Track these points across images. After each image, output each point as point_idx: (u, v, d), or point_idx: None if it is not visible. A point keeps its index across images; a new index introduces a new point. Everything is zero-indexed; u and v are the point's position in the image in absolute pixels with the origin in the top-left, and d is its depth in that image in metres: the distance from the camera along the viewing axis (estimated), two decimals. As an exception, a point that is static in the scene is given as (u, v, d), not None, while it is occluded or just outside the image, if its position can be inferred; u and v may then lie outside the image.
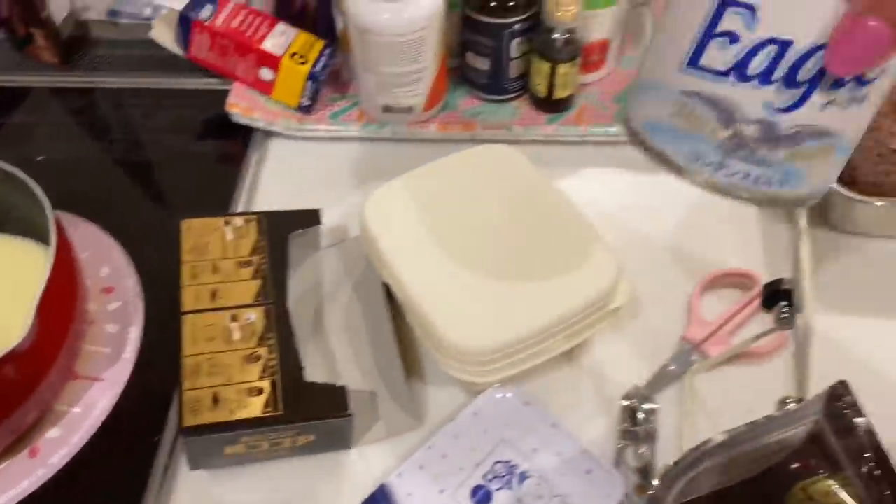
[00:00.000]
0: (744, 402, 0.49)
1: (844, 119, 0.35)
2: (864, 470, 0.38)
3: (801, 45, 0.32)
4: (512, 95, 0.70)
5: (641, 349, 0.55)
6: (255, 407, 0.47)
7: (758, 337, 0.48)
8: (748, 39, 0.33)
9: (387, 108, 0.67)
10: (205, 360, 0.48)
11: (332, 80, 0.71)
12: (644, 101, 0.39)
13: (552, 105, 0.68)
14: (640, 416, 0.50)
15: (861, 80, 0.33)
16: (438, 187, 0.56)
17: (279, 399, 0.47)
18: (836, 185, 0.56)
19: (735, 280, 0.58)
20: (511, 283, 0.50)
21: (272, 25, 0.67)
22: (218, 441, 0.47)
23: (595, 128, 0.67)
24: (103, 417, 0.52)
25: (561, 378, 0.54)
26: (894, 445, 0.50)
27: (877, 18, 0.30)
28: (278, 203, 0.64)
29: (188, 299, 0.51)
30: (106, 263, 0.60)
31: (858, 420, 0.39)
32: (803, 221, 0.40)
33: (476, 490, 0.49)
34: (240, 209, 0.64)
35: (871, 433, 0.39)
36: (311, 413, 0.47)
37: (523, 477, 0.49)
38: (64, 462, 0.50)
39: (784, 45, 0.32)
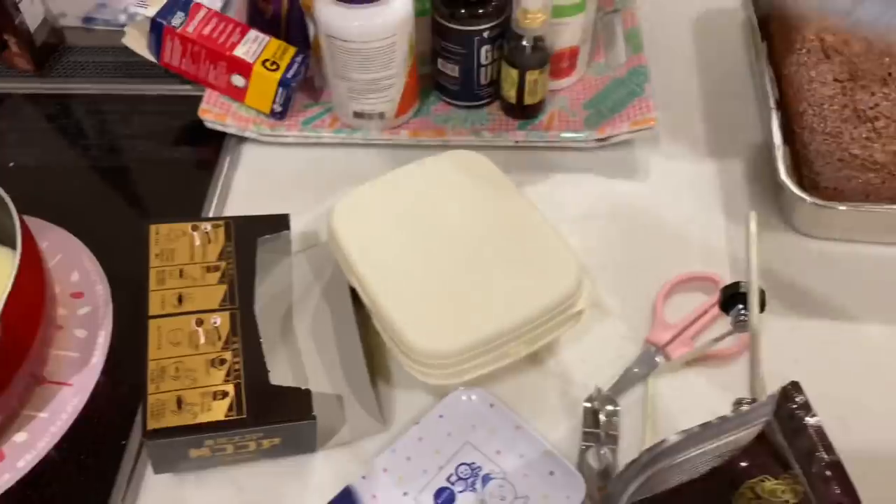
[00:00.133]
0: (706, 404, 0.49)
1: None
2: (815, 469, 0.39)
3: None
4: (483, 102, 0.70)
5: (606, 352, 0.56)
6: (218, 410, 0.47)
7: (717, 340, 0.49)
8: None
9: (358, 115, 0.67)
10: (170, 364, 0.49)
11: (305, 86, 0.71)
12: None
13: (523, 111, 0.69)
14: (602, 418, 0.50)
15: None
16: (406, 193, 0.56)
17: (243, 402, 0.47)
18: (798, 190, 0.57)
19: (699, 284, 0.59)
20: (475, 286, 0.51)
21: (244, 33, 0.68)
22: (182, 444, 0.47)
23: (564, 133, 0.67)
24: (71, 422, 0.52)
25: (527, 380, 0.55)
26: (848, 445, 0.51)
27: None
28: (250, 208, 0.64)
29: (154, 304, 0.52)
30: (76, 269, 0.60)
31: (809, 420, 0.40)
32: (753, 226, 0.40)
33: (440, 492, 0.49)
34: (211, 214, 0.64)
35: (821, 433, 0.40)
36: (274, 416, 0.47)
37: (487, 479, 0.50)
38: (30, 466, 0.50)
39: None
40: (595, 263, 0.61)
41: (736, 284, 0.46)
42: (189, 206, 0.65)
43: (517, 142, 0.68)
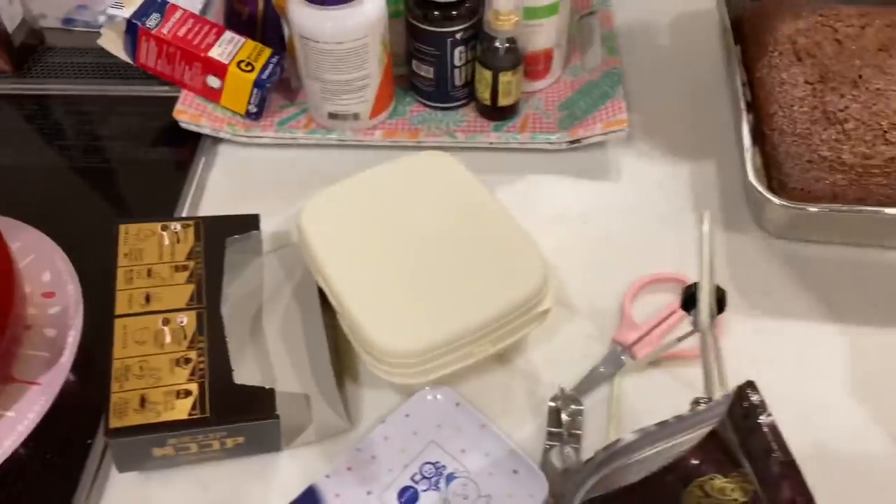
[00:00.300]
0: (672, 404, 0.49)
1: None
2: (769, 469, 0.39)
3: None
4: (458, 103, 0.71)
5: (574, 351, 0.56)
6: (181, 409, 0.47)
7: (679, 339, 0.49)
8: None
9: (333, 115, 0.68)
10: (134, 363, 0.49)
11: (281, 87, 0.72)
12: None
13: (497, 113, 0.69)
14: (564, 417, 0.50)
15: None
16: (375, 194, 0.56)
17: (206, 401, 0.48)
18: (765, 192, 0.58)
19: (667, 284, 0.59)
20: (440, 286, 0.51)
21: (220, 34, 0.68)
22: (144, 443, 0.47)
23: (537, 135, 0.68)
24: (38, 420, 0.52)
25: (494, 380, 0.55)
26: (811, 446, 0.52)
27: None
28: (224, 208, 0.65)
29: (121, 303, 0.52)
30: (48, 269, 0.60)
31: (763, 419, 0.40)
32: (706, 226, 0.41)
33: (403, 491, 0.49)
34: (184, 214, 0.64)
35: (776, 433, 0.40)
36: (237, 415, 0.48)
37: (451, 478, 0.50)
38: (-4, 465, 0.51)
39: None
40: (566, 264, 0.61)
41: (696, 284, 0.46)
42: (163, 206, 0.65)
43: (491, 143, 0.68)
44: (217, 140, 0.70)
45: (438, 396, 0.52)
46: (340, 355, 0.56)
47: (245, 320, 0.57)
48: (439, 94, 0.69)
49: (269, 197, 0.66)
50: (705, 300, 0.37)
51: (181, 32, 0.67)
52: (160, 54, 0.67)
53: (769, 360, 0.56)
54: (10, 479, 0.50)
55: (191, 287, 0.53)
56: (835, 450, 0.52)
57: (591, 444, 0.52)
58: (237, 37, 0.69)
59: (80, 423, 0.53)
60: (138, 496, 0.50)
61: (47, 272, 0.60)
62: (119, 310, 0.52)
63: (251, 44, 0.69)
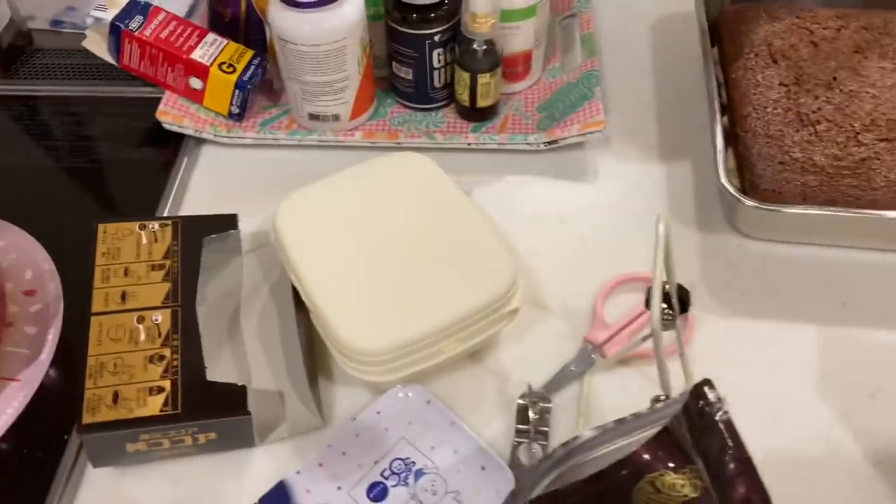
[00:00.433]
0: (640, 401, 0.50)
1: None
2: (724, 467, 0.39)
3: None
4: (438, 104, 0.71)
5: (546, 350, 0.57)
6: (154, 405, 0.48)
7: (644, 339, 0.50)
8: None
9: (313, 117, 0.68)
10: (109, 360, 0.50)
11: (264, 88, 0.73)
12: None
13: (476, 114, 0.70)
14: (532, 415, 0.51)
15: None
16: (350, 194, 0.57)
17: (179, 398, 0.48)
18: (735, 193, 0.58)
19: (640, 284, 0.59)
20: (410, 286, 0.52)
21: (202, 36, 0.69)
22: (117, 438, 0.48)
23: (515, 136, 0.68)
24: (16, 416, 0.53)
25: (466, 377, 0.56)
26: (778, 444, 0.52)
27: None
28: (205, 208, 0.66)
29: (98, 301, 0.53)
30: (30, 267, 0.61)
31: (720, 417, 0.40)
32: (661, 227, 0.41)
33: (372, 486, 0.50)
34: (166, 214, 0.65)
35: (732, 430, 0.40)
36: (208, 412, 0.48)
37: (420, 474, 0.50)
38: (-26, 461, 0.52)
39: None
40: (540, 264, 0.62)
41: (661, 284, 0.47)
42: (146, 206, 0.66)
43: (469, 144, 0.69)
44: (200, 141, 0.71)
45: (409, 394, 0.53)
46: (315, 353, 0.57)
47: (223, 319, 0.58)
48: (419, 95, 0.70)
49: (250, 197, 0.66)
50: (657, 300, 0.38)
51: (164, 34, 0.68)
52: (143, 56, 0.68)
53: (739, 358, 0.57)
54: (-13, 474, 0.51)
55: (167, 285, 0.54)
56: (803, 449, 0.52)
57: (560, 440, 0.51)
58: (220, 39, 0.69)
59: (58, 419, 0.53)
60: (113, 491, 0.51)
61: (29, 270, 0.61)
62: (95, 308, 0.52)
63: (233, 45, 0.69)
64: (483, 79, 0.67)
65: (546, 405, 0.52)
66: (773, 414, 0.54)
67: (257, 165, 0.70)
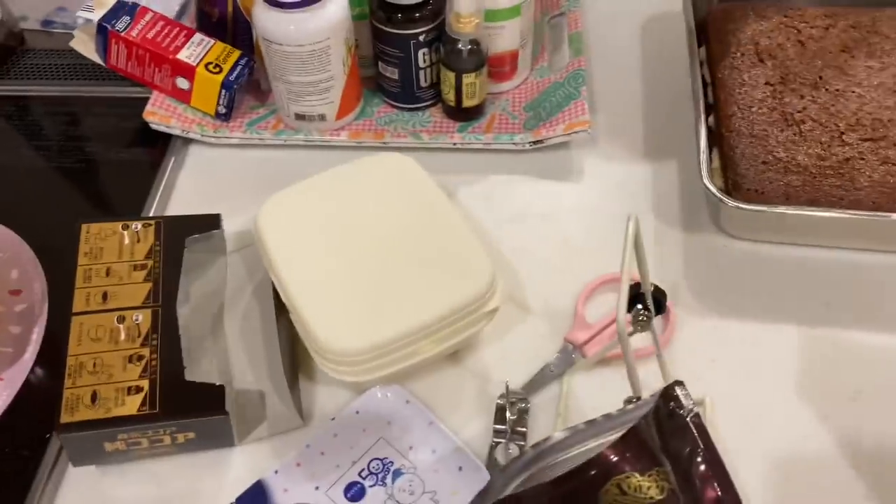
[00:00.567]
0: (620, 402, 0.50)
1: None
2: (694, 468, 0.39)
3: None
4: (425, 104, 0.71)
5: (526, 350, 0.57)
6: (132, 405, 0.48)
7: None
8: None
9: (300, 117, 0.68)
10: (88, 359, 0.50)
11: (252, 88, 0.73)
12: None
13: (462, 114, 0.70)
14: (509, 415, 0.51)
15: None
16: (331, 195, 0.57)
17: (157, 397, 0.49)
18: (717, 192, 0.58)
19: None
20: (388, 286, 0.52)
21: (189, 36, 0.69)
22: (95, 438, 0.48)
23: (500, 136, 0.68)
24: (-1, 415, 0.54)
25: (447, 378, 0.56)
26: (754, 444, 0.52)
27: None
28: (191, 208, 0.66)
29: (79, 301, 0.53)
30: (16, 267, 0.62)
31: (690, 419, 0.40)
32: (631, 228, 0.41)
33: (350, 486, 0.50)
34: (151, 214, 0.65)
35: (703, 431, 0.40)
36: (185, 411, 0.49)
37: (397, 474, 0.51)
38: (-44, 459, 0.52)
39: None
40: (523, 263, 0.62)
41: (636, 285, 0.47)
42: (133, 205, 0.66)
43: (455, 144, 0.69)
44: (188, 140, 0.71)
45: (388, 394, 0.53)
46: (297, 353, 0.57)
47: (206, 318, 0.58)
48: (405, 95, 0.70)
49: (236, 196, 0.67)
50: (622, 303, 0.38)
51: (150, 35, 0.68)
52: (130, 56, 0.69)
53: (721, 359, 0.57)
54: (-31, 472, 0.52)
55: (148, 285, 0.54)
56: (780, 450, 0.52)
57: (536, 441, 0.52)
58: (207, 39, 0.70)
59: (40, 417, 0.54)
60: (94, 490, 0.52)
61: (15, 270, 0.61)
62: (76, 307, 0.53)
63: (220, 45, 0.70)
64: (468, 79, 0.67)
65: (524, 405, 0.52)
66: (753, 415, 0.54)
67: (244, 165, 0.70)
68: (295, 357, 0.57)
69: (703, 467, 0.40)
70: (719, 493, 0.39)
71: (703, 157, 0.60)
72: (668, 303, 0.58)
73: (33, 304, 0.59)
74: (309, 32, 0.62)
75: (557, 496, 0.37)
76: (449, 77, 0.67)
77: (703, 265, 0.62)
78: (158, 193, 0.67)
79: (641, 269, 0.45)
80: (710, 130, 0.65)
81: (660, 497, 0.37)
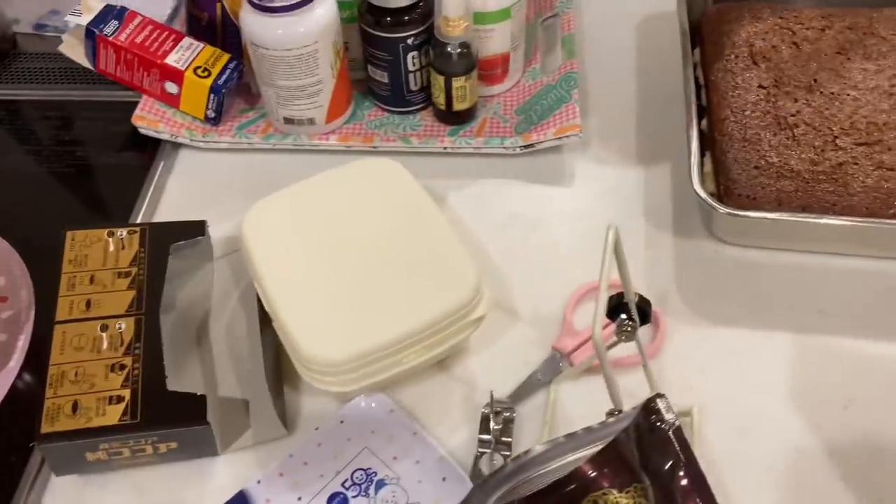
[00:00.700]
0: (606, 412, 0.50)
1: None
2: (676, 482, 0.39)
3: None
4: (416, 107, 0.71)
5: (514, 358, 0.56)
6: (113, 415, 0.48)
7: (608, 348, 0.49)
8: None
9: (289, 121, 0.68)
10: (70, 368, 0.50)
11: (243, 91, 0.72)
12: None
13: (453, 117, 0.69)
14: (493, 425, 0.51)
15: None
16: (317, 201, 0.57)
17: (138, 407, 0.48)
18: (708, 198, 0.57)
19: (612, 291, 0.58)
20: (372, 295, 0.51)
21: (178, 40, 0.69)
22: (76, 448, 0.48)
23: (490, 140, 0.68)
24: (-17, 423, 0.54)
25: (434, 386, 0.55)
26: (743, 454, 0.51)
27: None
28: (180, 213, 0.66)
29: (62, 309, 0.53)
30: (3, 274, 0.61)
31: (672, 432, 0.40)
32: (610, 237, 0.40)
33: (333, 497, 0.50)
34: (140, 219, 0.65)
35: (684, 444, 0.40)
36: (166, 421, 0.48)
37: (380, 484, 0.50)
38: (-60, 467, 0.52)
39: None
40: (513, 269, 0.62)
41: (619, 295, 0.46)
42: (121, 211, 0.66)
43: (445, 148, 0.68)
44: (177, 145, 0.71)
45: (373, 403, 0.53)
46: (282, 361, 0.57)
47: (192, 325, 0.58)
48: (396, 98, 0.70)
49: (225, 201, 0.66)
50: (599, 315, 0.37)
51: (139, 39, 0.68)
52: (118, 61, 0.68)
53: (711, 367, 0.56)
54: (-47, 481, 0.52)
55: (131, 293, 0.54)
56: (769, 460, 0.51)
57: (523, 450, 0.52)
58: (196, 43, 0.69)
59: (24, 426, 0.53)
60: (77, 498, 0.51)
61: (2, 277, 0.61)
62: (59, 316, 0.53)
63: (210, 49, 0.69)
64: (458, 82, 0.66)
65: (510, 415, 0.52)
66: (742, 424, 0.53)
67: (233, 169, 0.69)
68: (280, 365, 0.56)
69: (684, 481, 0.39)
70: (703, 506, 0.38)
71: (695, 161, 0.59)
72: (659, 311, 0.58)
73: (20, 311, 0.59)
74: (296, 37, 0.62)
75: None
76: (438, 81, 0.66)
77: (694, 271, 0.61)
78: (147, 198, 0.66)
79: (624, 279, 0.44)
80: (703, 134, 0.64)
81: (638, 514, 0.37)
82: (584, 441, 0.41)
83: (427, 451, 0.51)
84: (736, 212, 0.56)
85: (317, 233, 0.55)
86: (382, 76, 0.68)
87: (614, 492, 0.37)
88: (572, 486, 0.37)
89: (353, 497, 0.50)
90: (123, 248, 0.56)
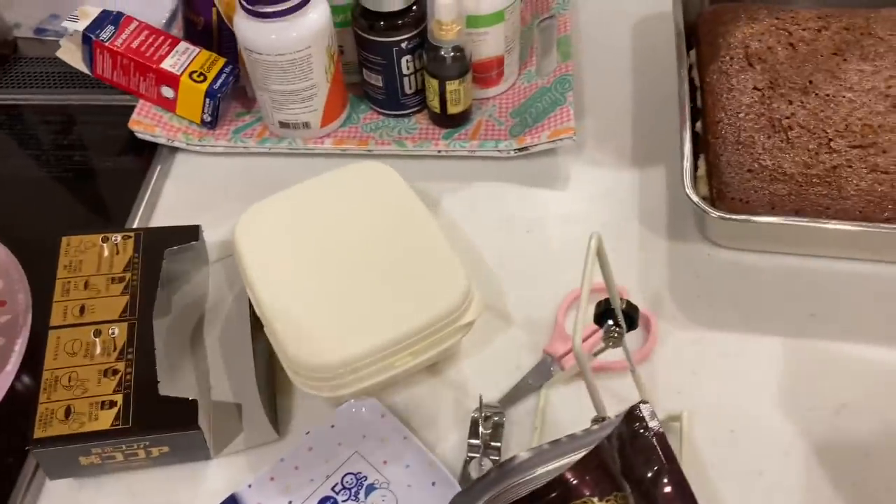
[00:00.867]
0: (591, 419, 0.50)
1: None
2: (660, 490, 0.39)
3: None
4: (411, 110, 0.71)
5: (506, 362, 0.57)
6: (105, 420, 0.49)
7: (596, 353, 0.49)
8: None
9: (284, 125, 0.68)
10: (64, 373, 0.51)
11: (239, 95, 0.73)
12: None
13: (448, 120, 0.69)
14: (482, 430, 0.51)
15: None
16: (309, 205, 0.57)
17: (130, 412, 0.49)
18: (700, 202, 0.57)
19: (604, 295, 0.58)
20: (362, 300, 0.51)
21: (174, 45, 0.69)
22: (69, 452, 0.49)
23: (485, 143, 0.68)
24: (-21, 427, 0.54)
25: (425, 391, 0.56)
26: (732, 458, 0.51)
27: None
28: (176, 217, 0.66)
29: (56, 315, 0.53)
30: (1, 277, 0.62)
31: (655, 440, 0.40)
32: (593, 244, 0.40)
33: (323, 501, 0.50)
34: (136, 224, 0.66)
35: (668, 452, 0.40)
36: (158, 426, 0.49)
37: (370, 489, 0.51)
38: (-63, 471, 0.53)
39: None
40: (506, 273, 0.62)
41: (607, 300, 0.46)
42: (118, 215, 0.67)
43: (439, 151, 0.68)
44: (174, 149, 0.71)
45: (364, 408, 0.53)
46: (274, 366, 0.57)
47: (186, 329, 0.58)
48: (390, 101, 0.70)
49: (221, 205, 0.67)
50: (579, 323, 0.37)
51: (135, 44, 0.68)
52: (115, 66, 0.69)
53: (703, 371, 0.56)
54: (-51, 485, 0.52)
55: (125, 298, 0.54)
56: (759, 465, 0.51)
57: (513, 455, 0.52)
58: (192, 47, 0.70)
59: (20, 430, 0.54)
60: (71, 502, 0.52)
61: (0, 281, 0.62)
62: (54, 321, 0.53)
63: (205, 54, 0.70)
64: (452, 85, 0.66)
65: (500, 419, 0.52)
66: (732, 428, 0.53)
67: (230, 173, 0.70)
68: (272, 369, 0.57)
69: (668, 489, 0.39)
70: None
71: (687, 164, 0.59)
72: (651, 314, 0.58)
73: (17, 316, 0.60)
74: (289, 41, 0.62)
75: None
76: (433, 84, 0.66)
77: (687, 275, 0.61)
78: (144, 202, 0.67)
79: (609, 285, 0.44)
80: (698, 136, 0.64)
81: (619, 522, 0.37)
82: (567, 448, 0.41)
83: (417, 456, 0.51)
84: (728, 216, 0.56)
85: (308, 237, 0.55)
86: (377, 80, 0.68)
87: (595, 500, 0.37)
88: (554, 494, 0.37)
89: (343, 501, 0.50)
90: (118, 253, 0.57)
